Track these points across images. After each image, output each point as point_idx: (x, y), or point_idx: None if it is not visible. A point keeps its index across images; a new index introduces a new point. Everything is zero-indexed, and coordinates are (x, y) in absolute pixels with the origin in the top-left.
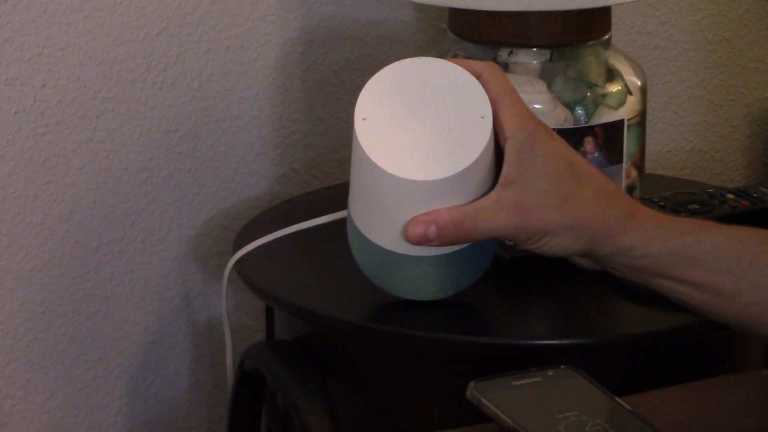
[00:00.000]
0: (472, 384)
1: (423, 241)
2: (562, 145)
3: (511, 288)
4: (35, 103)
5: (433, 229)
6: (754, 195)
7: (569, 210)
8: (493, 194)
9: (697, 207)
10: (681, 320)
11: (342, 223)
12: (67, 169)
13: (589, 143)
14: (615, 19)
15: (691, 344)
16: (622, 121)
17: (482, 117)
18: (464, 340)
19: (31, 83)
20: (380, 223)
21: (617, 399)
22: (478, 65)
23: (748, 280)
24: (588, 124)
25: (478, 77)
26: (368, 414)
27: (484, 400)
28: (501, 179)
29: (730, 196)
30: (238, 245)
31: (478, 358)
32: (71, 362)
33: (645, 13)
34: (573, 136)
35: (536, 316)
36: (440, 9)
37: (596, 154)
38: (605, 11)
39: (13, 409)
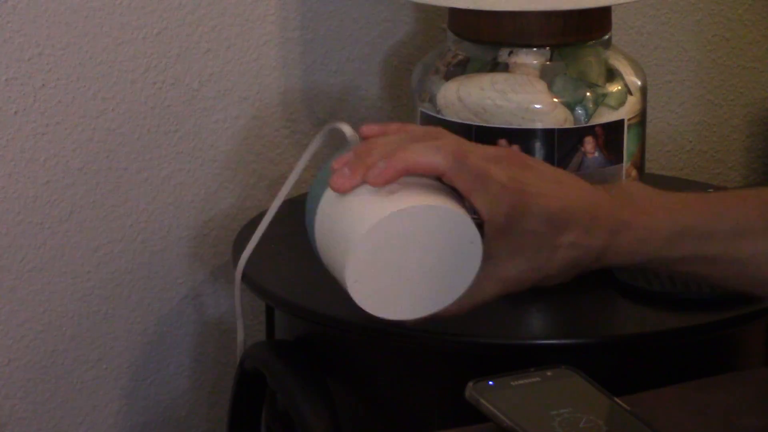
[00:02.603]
0: (470, 384)
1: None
2: (540, 210)
3: None
4: (35, 103)
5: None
6: None
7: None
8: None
9: None
10: (681, 320)
11: None
12: (67, 169)
13: (589, 143)
14: (615, 19)
15: (691, 344)
16: (622, 121)
17: (471, 242)
18: (464, 340)
19: (31, 83)
20: None
21: (616, 399)
22: (436, 161)
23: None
24: (588, 124)
25: (442, 176)
26: (368, 414)
27: (482, 401)
28: (484, 255)
29: None
30: (238, 245)
31: (478, 358)
32: (71, 362)
33: (645, 13)
34: (573, 136)
35: (536, 316)
36: (440, 9)
37: (596, 154)
38: (605, 11)
39: (13, 409)
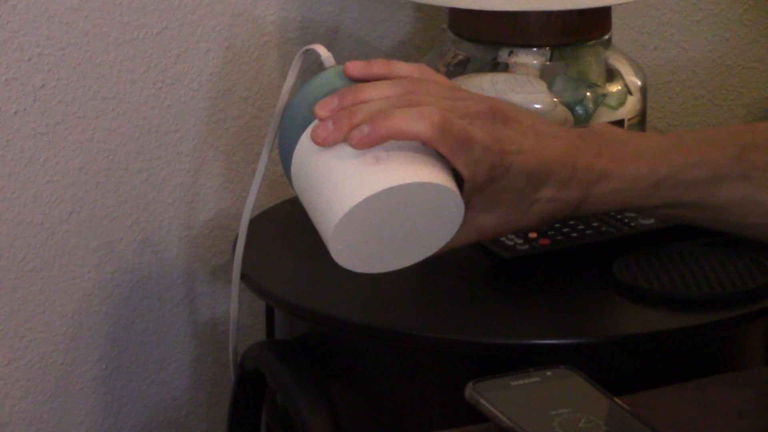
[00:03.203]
0: (470, 384)
1: None
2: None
3: (511, 288)
4: (35, 103)
5: None
6: None
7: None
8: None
9: None
10: (681, 320)
11: None
12: (67, 169)
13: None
14: (615, 19)
15: (691, 344)
16: (622, 121)
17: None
18: (464, 340)
19: (31, 83)
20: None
21: (616, 399)
22: (420, 129)
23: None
24: (588, 124)
25: (425, 143)
26: (368, 414)
27: (482, 401)
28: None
29: None
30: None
31: (478, 358)
32: (71, 362)
33: (645, 13)
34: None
35: (536, 316)
36: (440, 9)
37: None
38: (605, 11)
39: (13, 409)
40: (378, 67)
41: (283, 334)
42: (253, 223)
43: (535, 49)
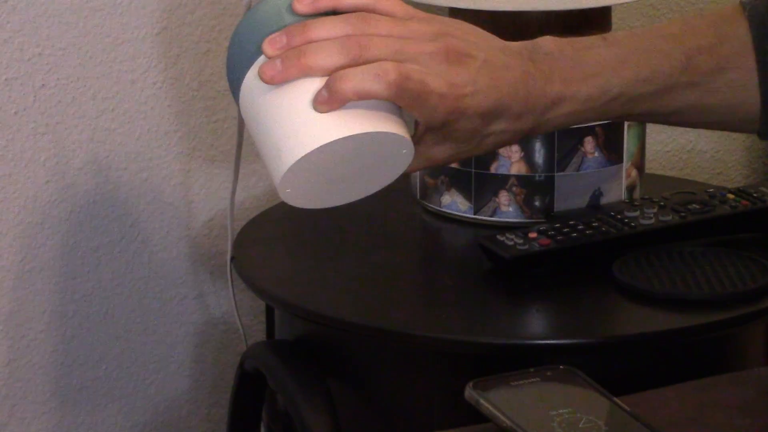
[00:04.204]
0: (470, 384)
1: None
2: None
3: (511, 288)
4: (35, 103)
5: None
6: (754, 195)
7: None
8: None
9: (697, 207)
10: (681, 320)
11: (344, 225)
12: (67, 169)
13: (589, 143)
14: (615, 19)
15: (691, 344)
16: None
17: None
18: (464, 340)
19: (31, 83)
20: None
21: (616, 399)
22: (376, 90)
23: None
24: (588, 124)
25: (385, 100)
26: (368, 414)
27: (482, 401)
28: (414, 139)
29: (731, 196)
30: (238, 245)
31: (478, 358)
32: (71, 362)
33: (645, 13)
34: (573, 136)
35: (536, 316)
36: (440, 9)
37: (596, 154)
38: (605, 11)
39: (13, 409)
40: (325, 1)
41: (283, 334)
42: (253, 223)
43: None
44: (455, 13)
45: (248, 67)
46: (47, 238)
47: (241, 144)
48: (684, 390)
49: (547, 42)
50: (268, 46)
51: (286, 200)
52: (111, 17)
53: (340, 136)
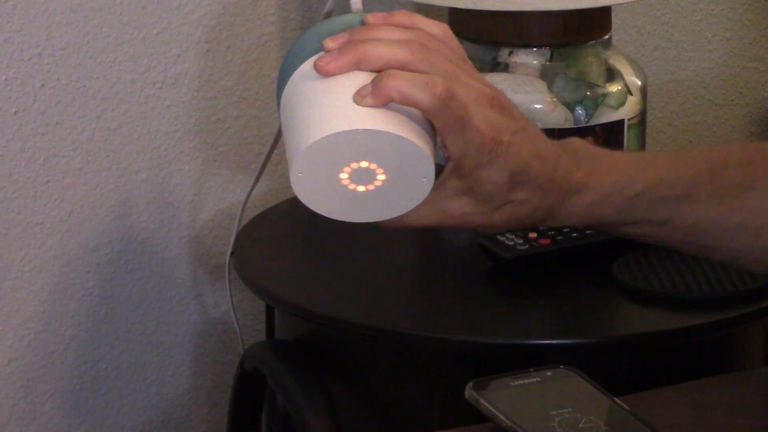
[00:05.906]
0: (470, 384)
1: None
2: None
3: (511, 288)
4: (35, 103)
5: None
6: None
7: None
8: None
9: None
10: (681, 320)
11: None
12: (67, 169)
13: (589, 143)
14: (615, 19)
15: (691, 344)
16: (622, 121)
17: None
18: (464, 340)
19: (31, 83)
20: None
21: (616, 399)
22: (421, 98)
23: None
24: (588, 124)
25: (423, 113)
26: (368, 414)
27: (482, 401)
28: (436, 184)
29: None
30: (238, 245)
31: (478, 358)
32: (71, 362)
33: (645, 13)
34: (573, 137)
35: (536, 316)
36: (440, 9)
37: None
38: (605, 11)
39: (13, 409)
40: (399, 17)
41: (283, 334)
42: (253, 223)
43: (535, 49)
44: (455, 12)
45: (303, 62)
46: (47, 238)
47: (274, 148)
48: (684, 390)
49: (574, 140)
50: (329, 41)
51: (294, 186)
52: (111, 17)
53: (371, 128)
